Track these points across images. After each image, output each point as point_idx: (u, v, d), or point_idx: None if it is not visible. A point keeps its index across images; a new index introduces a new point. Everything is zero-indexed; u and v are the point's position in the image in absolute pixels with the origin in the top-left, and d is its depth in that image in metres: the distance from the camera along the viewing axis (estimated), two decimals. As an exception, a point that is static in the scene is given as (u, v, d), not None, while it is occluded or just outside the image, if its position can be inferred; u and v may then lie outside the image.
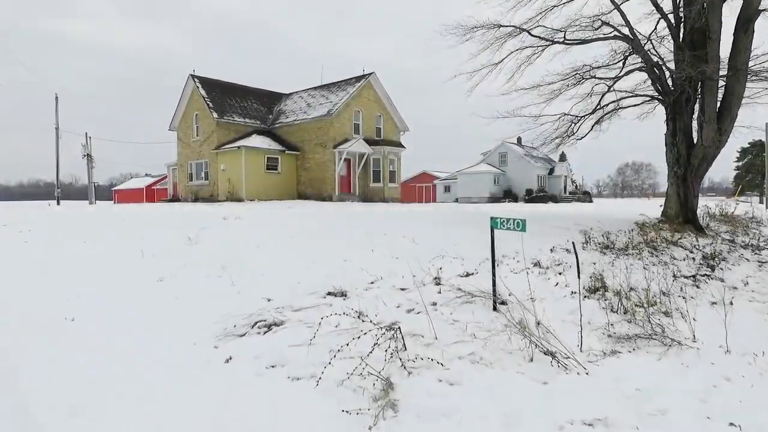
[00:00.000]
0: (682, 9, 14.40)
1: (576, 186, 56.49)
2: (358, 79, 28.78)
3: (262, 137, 28.08)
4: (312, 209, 17.78)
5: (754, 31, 13.55)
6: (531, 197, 45.28)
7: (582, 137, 17.39)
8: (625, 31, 15.31)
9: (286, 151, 27.76)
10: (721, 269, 9.90)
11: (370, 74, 28.58)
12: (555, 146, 17.52)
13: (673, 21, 14.70)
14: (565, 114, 15.27)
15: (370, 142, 27.91)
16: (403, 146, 29.44)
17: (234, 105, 29.18)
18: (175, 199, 31.79)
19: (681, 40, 14.54)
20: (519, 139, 52.67)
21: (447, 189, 55.47)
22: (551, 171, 49.99)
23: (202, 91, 28.28)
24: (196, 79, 28.91)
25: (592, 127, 17.21)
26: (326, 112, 26.58)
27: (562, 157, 51.83)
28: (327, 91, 29.55)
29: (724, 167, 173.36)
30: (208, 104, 27.58)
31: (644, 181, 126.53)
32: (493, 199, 46.47)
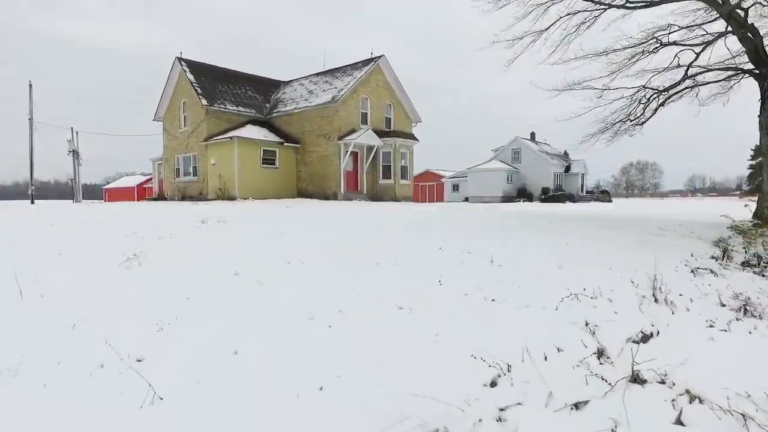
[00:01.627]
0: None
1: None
2: (366, 63, 25.58)
3: (257, 128, 24.86)
4: (316, 210, 14.60)
5: None
6: (547, 196, 42.14)
7: (644, 122, 14.27)
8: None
9: (285, 144, 24.56)
10: None
11: (379, 57, 25.39)
12: (612, 134, 14.35)
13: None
14: (645, 87, 12.09)
15: (379, 133, 24.73)
16: (416, 139, 26.27)
17: (226, 92, 25.94)
18: (160, 197, 28.57)
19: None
20: (533, 135, 49.62)
21: (455, 188, 52.33)
22: (567, 169, 46.88)
23: (190, 76, 25.04)
24: (183, 63, 25.67)
25: (656, 109, 14.10)
26: (330, 99, 23.37)
27: (566, 155, 48.63)
28: (331, 77, 26.35)
29: (726, 166, 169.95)
30: (196, 90, 24.36)
31: (648, 180, 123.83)
32: (507, 198, 43.33)
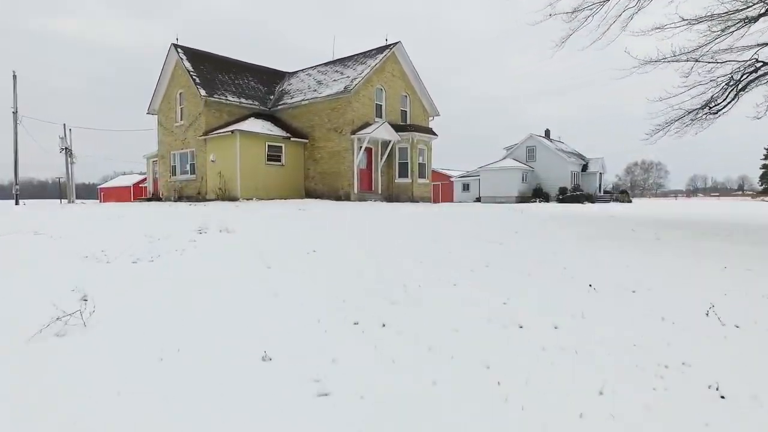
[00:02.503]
0: None
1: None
2: (380, 50, 23.33)
3: (261, 121, 22.60)
4: (335, 212, 12.39)
5: None
6: (565, 196, 39.95)
7: (722, 110, 12.06)
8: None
9: (292, 139, 22.29)
10: None
11: (395, 44, 23.14)
12: (686, 123, 12.17)
13: None
14: (756, 60, 9.85)
15: (394, 127, 22.47)
16: (434, 134, 24.03)
17: (227, 82, 23.67)
18: (155, 197, 26.29)
19: None
20: (547, 132, 47.43)
21: (465, 187, 50.10)
22: (584, 167, 44.69)
23: (187, 64, 22.76)
24: (179, 50, 23.39)
25: (737, 94, 11.89)
26: (343, 89, 21.11)
27: (580, 155, 46.50)
28: (341, 66, 24.08)
29: (727, 166, 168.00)
30: (194, 80, 22.08)
31: (654, 180, 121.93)
32: (522, 198, 41.12)
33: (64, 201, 34.33)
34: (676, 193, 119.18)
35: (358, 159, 21.14)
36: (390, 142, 22.33)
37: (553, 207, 24.79)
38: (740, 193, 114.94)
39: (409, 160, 22.72)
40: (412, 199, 22.54)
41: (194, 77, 22.21)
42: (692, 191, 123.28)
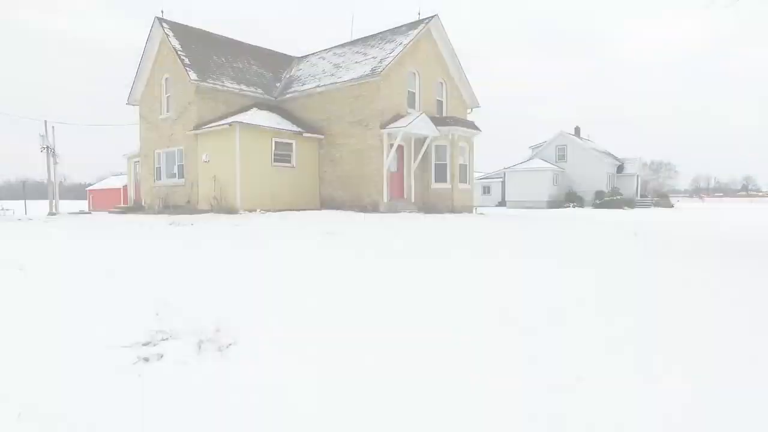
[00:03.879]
0: None
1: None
2: (412, 26, 19.00)
3: (266, 112, 18.24)
4: (392, 237, 8.06)
5: None
6: (602, 201, 35.73)
7: None
8: None
9: (304, 134, 17.93)
10: None
11: (431, 18, 18.79)
12: None
13: None
14: None
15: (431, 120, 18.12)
16: (478, 128, 19.68)
17: (223, 65, 19.28)
18: (137, 205, 21.86)
19: None
20: (577, 130, 43.14)
21: (486, 190, 45.78)
22: (620, 168, 40.45)
23: (174, 42, 18.36)
24: (164, 25, 18.98)
25: None
26: (369, 71, 16.77)
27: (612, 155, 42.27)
28: (363, 46, 19.72)
29: (729, 167, 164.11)
30: (182, 60, 17.70)
31: (664, 181, 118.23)
32: (553, 203, 36.85)
33: (55, 204, 29.82)
34: (678, 194, 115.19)
35: (389, 159, 16.79)
36: (426, 138, 17.99)
37: (621, 217, 20.21)
38: (744, 194, 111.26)
39: (448, 161, 18.42)
40: (452, 209, 18.24)
41: (183, 58, 17.83)
42: (695, 192, 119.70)
